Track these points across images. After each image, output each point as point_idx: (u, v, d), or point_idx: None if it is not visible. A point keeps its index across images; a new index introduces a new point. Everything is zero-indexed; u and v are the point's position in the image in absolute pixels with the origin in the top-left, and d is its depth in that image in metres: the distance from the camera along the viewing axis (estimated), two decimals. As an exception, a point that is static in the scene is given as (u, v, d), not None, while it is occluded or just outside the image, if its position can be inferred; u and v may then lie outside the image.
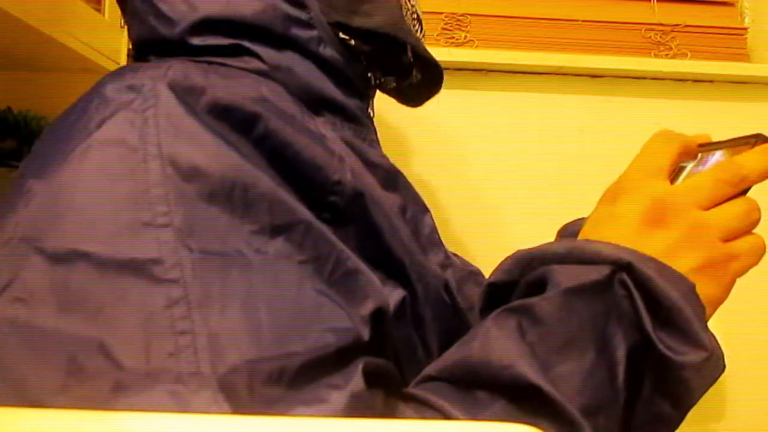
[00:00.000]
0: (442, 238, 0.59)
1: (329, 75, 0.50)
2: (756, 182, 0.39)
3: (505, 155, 1.01)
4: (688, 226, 0.38)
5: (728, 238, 0.38)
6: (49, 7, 0.65)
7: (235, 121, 0.39)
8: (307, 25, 0.48)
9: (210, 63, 0.46)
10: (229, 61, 0.47)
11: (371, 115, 0.59)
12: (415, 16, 0.58)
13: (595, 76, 1.02)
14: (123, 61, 0.86)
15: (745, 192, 0.39)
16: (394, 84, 0.58)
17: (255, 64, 0.47)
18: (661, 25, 1.04)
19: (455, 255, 0.65)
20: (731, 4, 1.07)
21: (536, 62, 0.98)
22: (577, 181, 1.00)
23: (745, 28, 1.05)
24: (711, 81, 1.03)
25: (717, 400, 1.01)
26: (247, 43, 0.47)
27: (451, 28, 1.00)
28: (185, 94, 0.38)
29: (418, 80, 0.58)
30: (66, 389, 0.30)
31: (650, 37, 1.04)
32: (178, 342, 0.31)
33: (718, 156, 0.41)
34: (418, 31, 0.59)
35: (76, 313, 0.31)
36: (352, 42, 0.50)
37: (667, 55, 1.03)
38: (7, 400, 0.30)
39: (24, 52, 0.74)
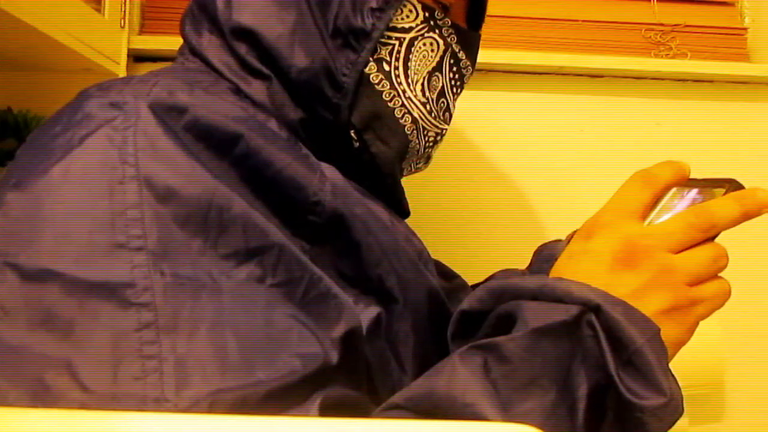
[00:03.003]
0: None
1: (323, 144, 0.51)
2: (725, 229, 0.40)
3: (505, 155, 1.01)
4: (656, 269, 0.39)
5: (695, 283, 0.39)
6: (49, 7, 0.65)
7: (214, 141, 0.39)
8: (332, 108, 0.49)
9: (221, 76, 0.48)
10: (242, 82, 0.48)
11: None
12: (427, 155, 0.59)
13: (595, 76, 1.02)
14: (123, 61, 0.86)
15: (714, 237, 0.40)
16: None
17: (263, 98, 0.48)
18: (661, 25, 1.04)
19: (444, 265, 0.65)
20: (731, 4, 1.07)
21: (536, 62, 0.98)
22: (577, 181, 1.00)
23: (745, 28, 1.05)
24: (711, 81, 1.03)
25: (717, 400, 1.01)
26: (272, 78, 0.48)
27: (451, 28, 1.00)
28: (165, 114, 0.38)
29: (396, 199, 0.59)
30: None
31: (650, 37, 1.03)
32: (144, 366, 0.31)
33: (692, 194, 0.42)
34: (422, 163, 0.60)
35: (46, 332, 0.31)
36: (356, 145, 0.52)
37: (667, 55, 1.03)
38: None
39: (24, 52, 0.74)
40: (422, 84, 0.53)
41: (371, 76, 0.51)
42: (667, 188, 0.42)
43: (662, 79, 1.02)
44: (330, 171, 0.46)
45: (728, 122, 1.03)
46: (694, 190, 0.42)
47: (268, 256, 0.37)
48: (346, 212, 0.44)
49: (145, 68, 0.93)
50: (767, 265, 0.97)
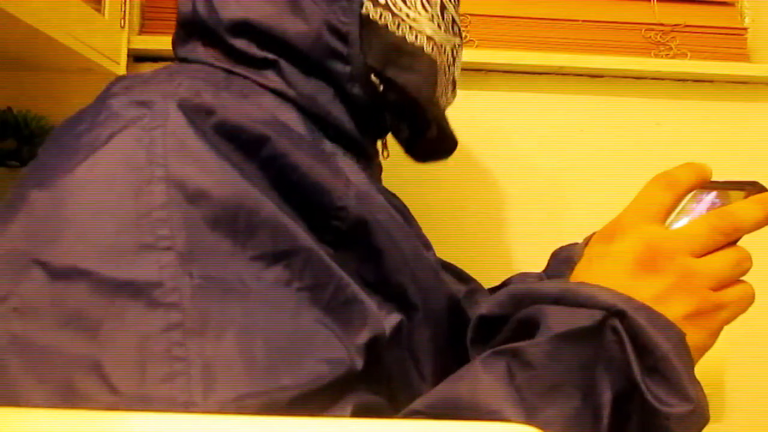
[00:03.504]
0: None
1: (349, 111, 0.50)
2: (749, 232, 0.39)
3: (506, 155, 1.00)
4: (679, 273, 0.38)
5: (718, 287, 0.39)
6: (49, 7, 0.65)
7: (242, 143, 0.39)
8: (344, 60, 0.49)
9: (231, 72, 0.47)
10: (253, 74, 0.47)
11: (384, 155, 0.60)
12: (452, 79, 0.58)
13: (595, 76, 1.02)
14: (123, 61, 0.86)
15: (736, 241, 0.40)
16: (408, 134, 0.58)
17: (278, 84, 0.48)
18: (661, 25, 1.04)
19: (457, 267, 0.65)
20: (731, 4, 1.07)
21: (536, 62, 0.98)
22: (577, 182, 1.00)
23: (745, 28, 1.05)
24: (711, 81, 1.03)
25: (717, 400, 1.01)
26: (279, 61, 0.48)
27: (451, 28, 1.00)
28: (194, 114, 0.38)
29: (433, 137, 0.58)
30: None
31: (650, 37, 1.04)
32: (172, 368, 0.31)
33: (710, 197, 0.42)
34: (450, 92, 0.59)
35: (73, 332, 0.31)
36: (381, 88, 0.51)
37: (667, 55, 1.03)
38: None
39: (24, 52, 0.74)
40: (421, 1, 0.53)
41: (370, 14, 0.50)
42: (689, 191, 0.42)
43: (662, 79, 1.02)
44: (355, 176, 0.46)
45: (728, 122, 1.03)
46: (713, 193, 0.42)
47: (296, 259, 0.37)
48: (369, 219, 0.44)
49: (145, 68, 0.93)
50: (767, 265, 0.97)
